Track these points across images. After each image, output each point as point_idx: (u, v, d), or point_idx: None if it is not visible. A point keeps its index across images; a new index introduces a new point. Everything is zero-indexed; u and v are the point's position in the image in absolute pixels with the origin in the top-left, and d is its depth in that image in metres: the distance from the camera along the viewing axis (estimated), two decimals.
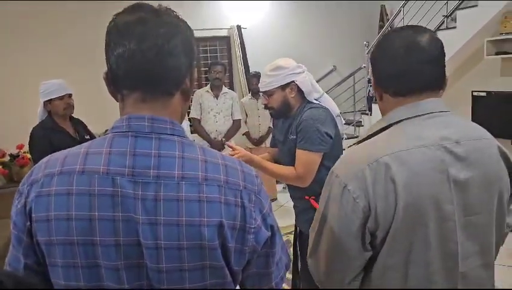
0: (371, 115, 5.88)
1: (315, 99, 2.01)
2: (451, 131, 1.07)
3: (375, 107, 5.79)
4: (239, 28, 6.15)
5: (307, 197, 1.99)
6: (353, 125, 6.11)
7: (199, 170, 0.79)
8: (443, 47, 1.11)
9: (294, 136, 1.93)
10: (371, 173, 1.01)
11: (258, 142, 5.01)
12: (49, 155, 0.85)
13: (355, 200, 1.01)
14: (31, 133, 2.78)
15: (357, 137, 6.04)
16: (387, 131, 1.11)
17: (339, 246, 1.06)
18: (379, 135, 1.12)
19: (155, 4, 0.85)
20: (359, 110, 6.19)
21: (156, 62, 0.79)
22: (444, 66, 1.12)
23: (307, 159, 1.88)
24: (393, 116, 1.11)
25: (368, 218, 1.02)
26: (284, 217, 4.05)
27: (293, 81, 1.94)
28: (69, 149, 0.84)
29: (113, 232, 0.76)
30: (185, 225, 0.76)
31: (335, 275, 1.11)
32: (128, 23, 0.80)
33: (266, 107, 2.05)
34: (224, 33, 6.25)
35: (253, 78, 4.92)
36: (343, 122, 2.15)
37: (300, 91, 1.97)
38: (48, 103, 2.79)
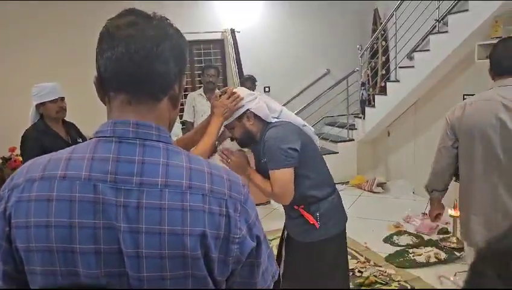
0: (364, 118, 5.88)
1: (276, 118, 2.02)
2: None
3: (368, 111, 5.81)
4: (233, 31, 6.16)
5: (296, 207, 2.03)
6: (346, 128, 6.11)
7: (183, 177, 0.78)
8: None
9: (265, 160, 1.95)
10: (458, 110, 2.05)
11: None
12: (33, 159, 0.83)
13: (448, 123, 2.08)
14: (22, 136, 2.76)
15: (351, 140, 6.06)
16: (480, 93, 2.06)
17: (441, 147, 2.15)
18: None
19: (150, 10, 0.84)
20: (352, 114, 6.19)
21: (142, 65, 0.78)
22: None
23: (280, 178, 1.89)
24: (489, 87, 2.01)
25: (455, 135, 2.06)
26: (277, 220, 4.03)
27: (248, 110, 1.93)
28: (52, 153, 0.82)
29: (94, 240, 0.74)
30: (167, 233, 0.74)
31: (436, 167, 2.20)
32: (118, 27, 0.79)
33: (232, 139, 2.06)
34: (218, 36, 6.26)
35: (246, 81, 4.91)
36: (313, 129, 2.16)
37: (258, 116, 1.97)
38: (40, 105, 2.77)
